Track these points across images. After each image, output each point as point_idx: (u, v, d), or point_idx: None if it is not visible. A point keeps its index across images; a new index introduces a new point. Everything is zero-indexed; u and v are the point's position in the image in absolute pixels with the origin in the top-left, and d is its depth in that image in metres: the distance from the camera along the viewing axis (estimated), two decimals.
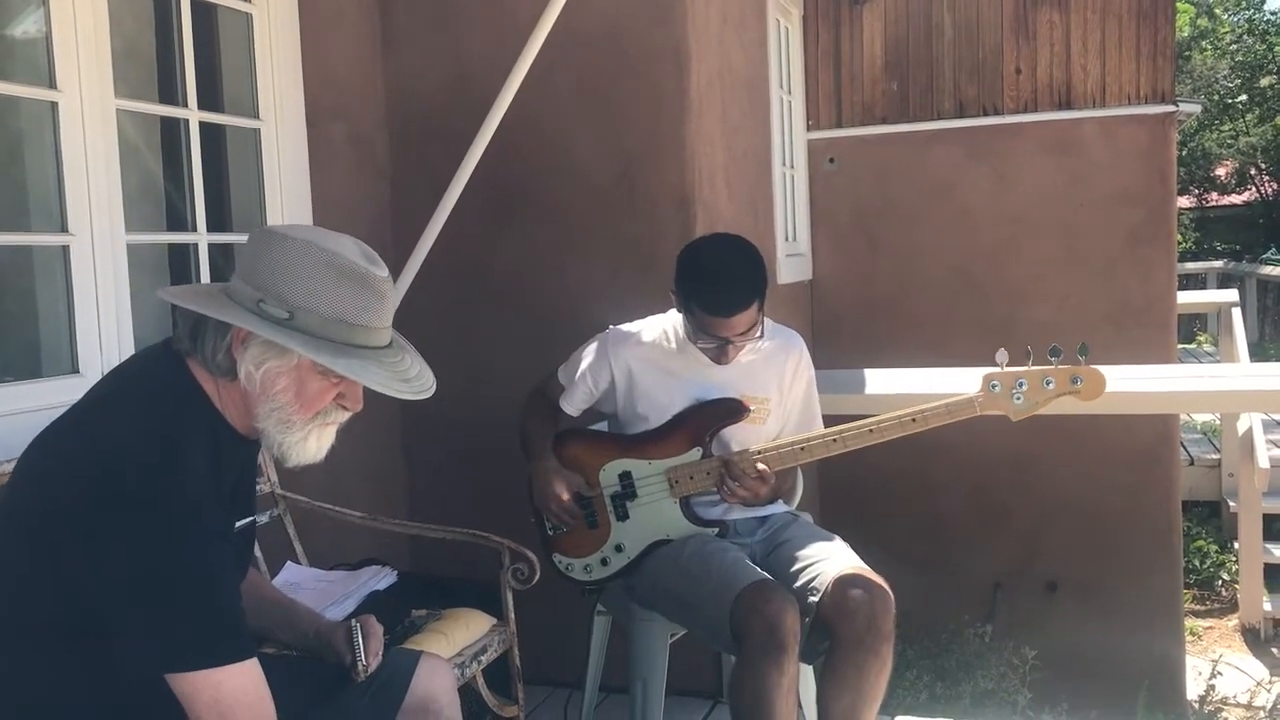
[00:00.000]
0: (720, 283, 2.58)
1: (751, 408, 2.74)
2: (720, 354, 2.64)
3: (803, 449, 2.68)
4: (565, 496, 2.75)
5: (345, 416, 1.75)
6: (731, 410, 2.73)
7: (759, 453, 2.68)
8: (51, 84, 2.61)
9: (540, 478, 2.78)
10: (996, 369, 2.59)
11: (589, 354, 2.83)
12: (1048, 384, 2.58)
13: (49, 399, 1.78)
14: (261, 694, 1.61)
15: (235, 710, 1.56)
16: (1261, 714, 5.49)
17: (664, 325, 2.81)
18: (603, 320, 2.92)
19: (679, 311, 2.71)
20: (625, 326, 2.85)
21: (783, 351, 2.83)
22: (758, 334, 2.64)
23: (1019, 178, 5.58)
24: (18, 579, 1.60)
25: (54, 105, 2.63)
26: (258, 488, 2.91)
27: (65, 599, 1.56)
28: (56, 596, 1.56)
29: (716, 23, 3.82)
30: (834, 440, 2.66)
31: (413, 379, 1.74)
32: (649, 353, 2.79)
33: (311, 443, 1.71)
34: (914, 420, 2.61)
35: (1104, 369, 2.61)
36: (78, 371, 2.66)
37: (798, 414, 2.86)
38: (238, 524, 1.80)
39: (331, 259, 1.65)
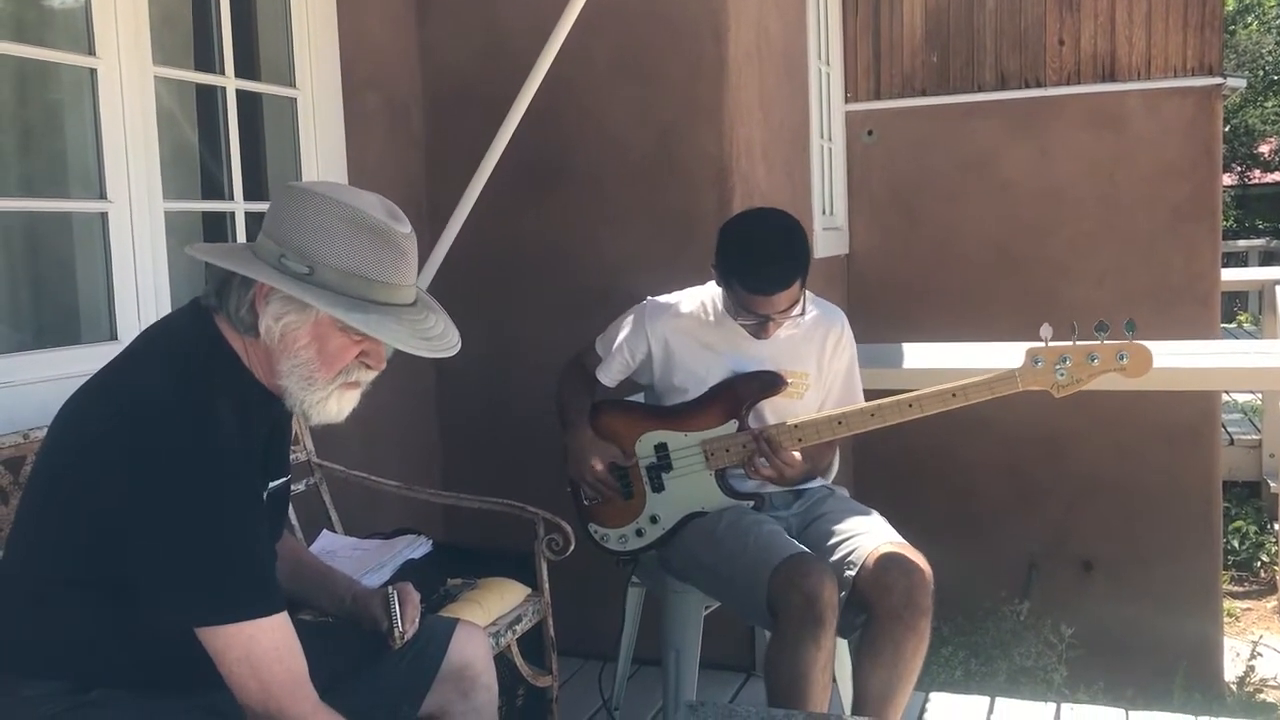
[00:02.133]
0: (762, 260, 2.55)
1: (789, 381, 2.71)
2: (760, 330, 2.62)
3: (840, 422, 2.65)
4: (600, 467, 2.74)
5: (370, 376, 1.73)
6: (769, 383, 2.70)
7: (796, 425, 2.66)
8: (90, 50, 2.61)
9: (576, 448, 2.78)
10: (1040, 344, 2.54)
11: (626, 325, 2.81)
12: (1092, 360, 2.52)
13: (87, 365, 1.78)
14: (293, 647, 1.61)
15: (266, 664, 1.57)
16: None
17: (702, 297, 2.79)
18: (638, 292, 2.90)
19: (719, 286, 2.68)
20: (663, 298, 2.83)
21: (823, 326, 2.80)
22: (798, 311, 2.61)
23: (1060, 151, 5.49)
24: (54, 532, 1.62)
25: (93, 72, 2.63)
26: (294, 456, 2.92)
27: (101, 555, 1.56)
28: (92, 553, 1.57)
29: None
30: (871, 414, 2.63)
31: (434, 338, 1.72)
32: (686, 325, 2.76)
33: (333, 403, 1.70)
34: (954, 395, 2.57)
35: (1147, 344, 2.56)
36: (116, 338, 2.67)
37: (839, 390, 2.83)
38: (271, 484, 1.80)
39: (352, 214, 1.64)
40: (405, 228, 1.70)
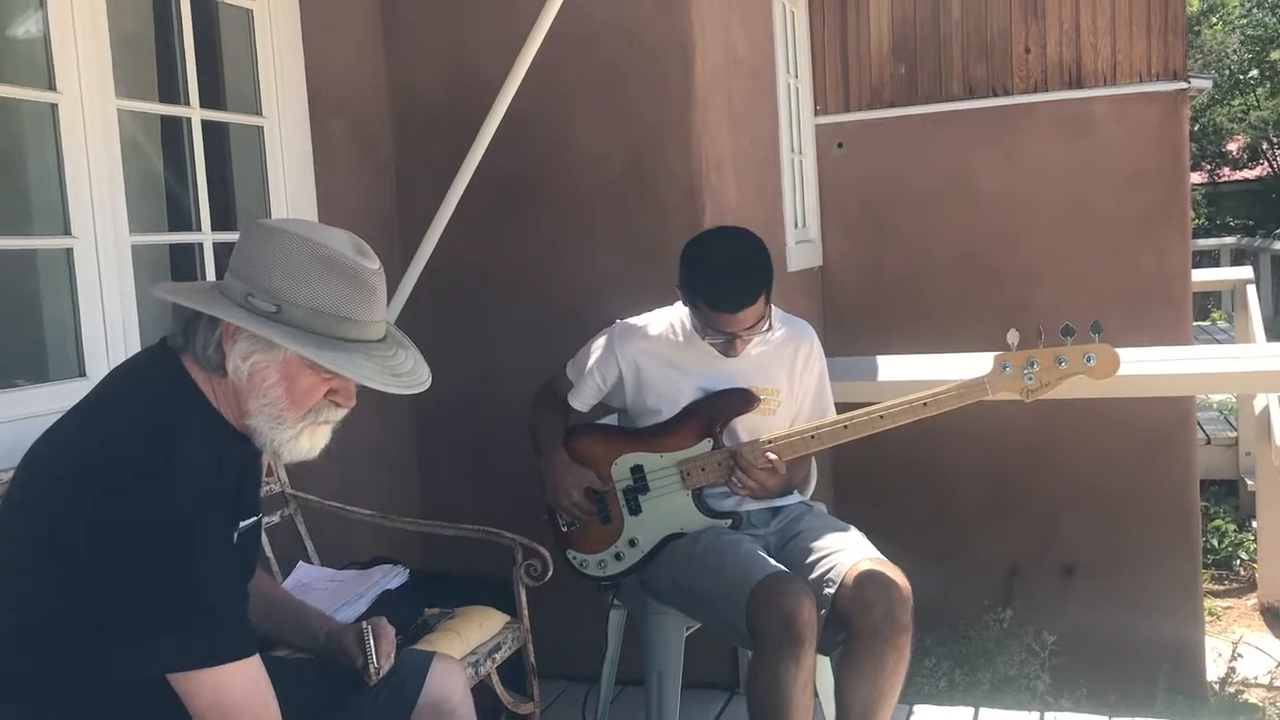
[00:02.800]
0: (725, 279, 2.55)
1: (762, 398, 2.71)
2: (728, 348, 2.61)
3: (813, 437, 2.66)
4: (576, 492, 2.73)
5: (339, 414, 1.72)
6: (742, 401, 2.70)
7: (769, 442, 2.66)
8: (51, 85, 2.59)
9: (551, 474, 2.76)
10: (1008, 350, 2.56)
11: (596, 349, 2.81)
12: (1060, 363, 2.54)
13: (55, 403, 1.76)
14: (263, 692, 1.60)
15: (237, 710, 1.55)
16: None
17: (671, 318, 2.79)
18: (612, 312, 2.90)
19: (685, 306, 2.68)
20: (632, 320, 2.83)
21: (793, 342, 2.81)
22: (765, 327, 2.61)
23: (1030, 159, 5.52)
24: (20, 582, 1.59)
25: (54, 107, 2.60)
26: (267, 488, 2.90)
27: (67, 600, 1.54)
28: (58, 597, 1.55)
29: (721, 9, 3.78)
30: (844, 427, 2.64)
31: (404, 374, 1.72)
32: (656, 346, 2.76)
33: (304, 441, 1.69)
34: (925, 405, 2.59)
35: (1119, 351, 2.58)
36: (84, 375, 2.65)
37: (810, 405, 2.83)
38: (243, 524, 1.78)
39: (320, 251, 1.63)
40: (374, 264, 1.69)
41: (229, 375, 1.65)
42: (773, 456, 2.63)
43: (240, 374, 1.64)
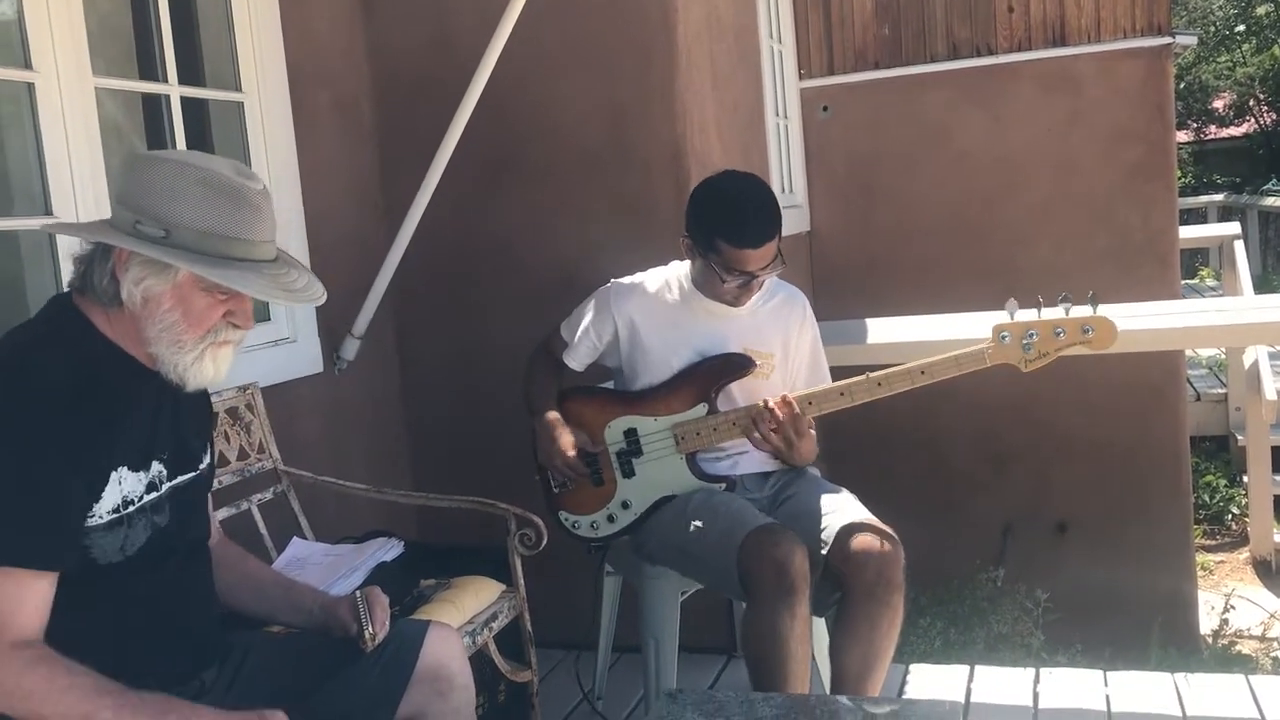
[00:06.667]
0: (747, 213, 2.56)
1: (757, 362, 2.71)
2: (743, 293, 2.61)
3: (810, 403, 2.65)
4: (570, 452, 2.72)
5: (239, 336, 1.75)
6: (738, 364, 2.71)
7: (770, 409, 2.66)
8: (27, 65, 2.56)
9: (545, 433, 2.76)
10: (1006, 319, 2.55)
11: (591, 308, 2.81)
12: (1059, 334, 2.53)
13: None
14: (23, 604, 1.56)
15: None
16: (1275, 645, 5.51)
17: (666, 276, 2.79)
18: (599, 279, 2.89)
19: (694, 258, 2.67)
20: (627, 279, 2.83)
21: (786, 306, 2.81)
22: (780, 266, 2.61)
23: (1015, 118, 5.51)
24: None
25: (30, 86, 2.58)
26: (260, 465, 2.90)
27: None
28: None
29: None
30: (841, 394, 2.63)
31: (299, 290, 1.74)
32: (652, 304, 2.76)
33: (208, 364, 1.71)
34: (922, 373, 2.58)
35: (1108, 307, 2.57)
36: None
37: (806, 371, 2.83)
38: (180, 477, 1.80)
39: (204, 175, 1.66)
40: (258, 185, 1.72)
41: (124, 303, 1.67)
42: (802, 412, 2.62)
43: (134, 300, 1.66)
